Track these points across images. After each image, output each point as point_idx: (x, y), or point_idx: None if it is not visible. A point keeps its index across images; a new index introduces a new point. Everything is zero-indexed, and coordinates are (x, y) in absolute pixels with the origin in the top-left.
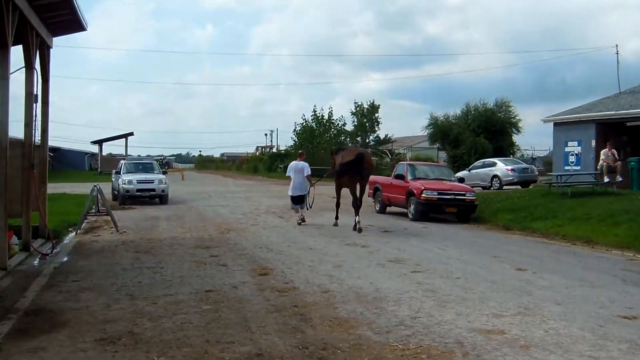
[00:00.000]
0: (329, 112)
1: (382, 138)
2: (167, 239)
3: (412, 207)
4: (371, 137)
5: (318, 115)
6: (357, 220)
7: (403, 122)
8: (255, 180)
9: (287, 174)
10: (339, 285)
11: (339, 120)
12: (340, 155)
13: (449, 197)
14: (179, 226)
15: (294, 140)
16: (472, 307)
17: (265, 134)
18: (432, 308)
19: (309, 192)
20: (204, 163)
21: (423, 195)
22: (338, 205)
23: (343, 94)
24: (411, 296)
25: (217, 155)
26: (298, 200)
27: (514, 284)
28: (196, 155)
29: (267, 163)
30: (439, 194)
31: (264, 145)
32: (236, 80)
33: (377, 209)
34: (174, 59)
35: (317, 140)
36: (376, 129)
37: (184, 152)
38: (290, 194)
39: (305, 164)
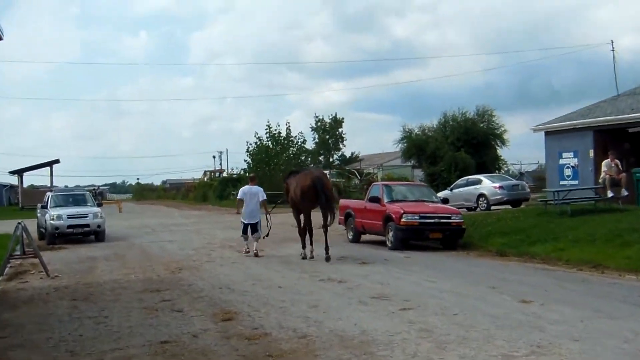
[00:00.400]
0: (287, 128)
1: (348, 156)
2: (108, 283)
3: (391, 233)
4: (335, 156)
5: (273, 132)
6: (312, 249)
7: (371, 138)
8: (205, 209)
9: (239, 197)
10: (317, 329)
11: (298, 138)
12: (294, 180)
13: (432, 220)
14: (121, 267)
15: (247, 162)
16: (476, 347)
17: (214, 157)
18: (431, 351)
19: (266, 220)
20: (143, 192)
21: (403, 219)
22: (303, 232)
23: (301, 107)
24: (404, 338)
25: (157, 182)
26: (250, 229)
27: (520, 319)
28: (133, 183)
29: (218, 190)
30: (421, 217)
31: (212, 169)
32: (177, 94)
33: (350, 237)
34: (104, 72)
35: (273, 161)
36: (341, 146)
37: (118, 181)
38: (244, 221)
39: (259, 188)
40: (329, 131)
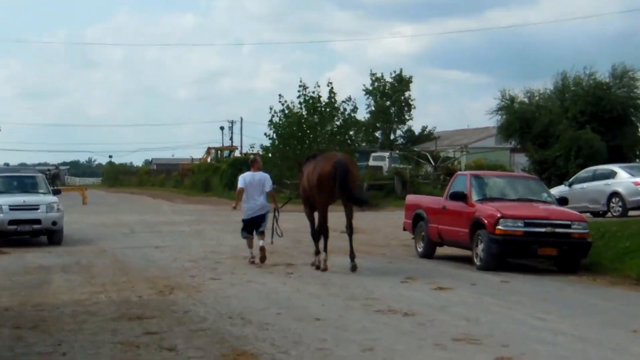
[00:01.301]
0: (329, 90)
1: (417, 133)
2: (68, 305)
3: (481, 246)
4: (399, 132)
5: (310, 95)
6: (325, 257)
7: (452, 106)
8: (209, 203)
9: (241, 185)
10: None
11: (346, 104)
12: (310, 165)
13: (543, 229)
14: (87, 282)
15: (270, 138)
16: None
17: (222, 128)
18: None
19: (275, 217)
20: (117, 176)
21: (500, 227)
22: (318, 234)
23: (350, 60)
24: None
25: (139, 162)
26: (254, 226)
27: None
28: (104, 163)
29: (227, 175)
30: (527, 224)
31: (220, 145)
32: (170, 38)
33: (421, 250)
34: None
35: (309, 137)
36: (407, 117)
37: (83, 159)
38: (245, 217)
39: (265, 175)
40: (391, 96)
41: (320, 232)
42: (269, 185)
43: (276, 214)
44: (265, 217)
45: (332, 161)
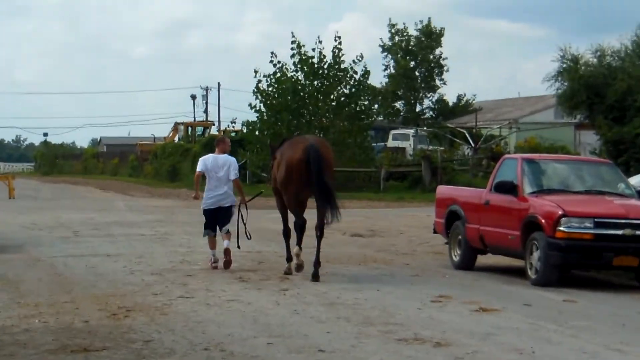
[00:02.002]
0: (334, 46)
1: (451, 103)
2: None
3: (537, 254)
4: (427, 102)
5: (307, 54)
6: (298, 252)
7: (497, 69)
8: (177, 197)
9: (199, 169)
10: None
11: (355, 64)
12: (279, 152)
13: (620, 232)
14: (13, 303)
15: (255, 109)
16: None
17: (193, 97)
18: None
19: (240, 213)
20: (54, 160)
21: (562, 228)
22: (289, 234)
23: (363, 6)
24: None
25: (84, 143)
26: (217, 221)
27: None
28: (37, 143)
29: (201, 156)
30: (598, 225)
31: (190, 121)
32: None
33: (457, 258)
34: None
35: (307, 109)
36: (437, 82)
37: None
38: (204, 207)
39: (231, 159)
40: (417, 54)
41: (293, 230)
42: (233, 171)
43: (242, 210)
44: (231, 211)
45: (301, 146)
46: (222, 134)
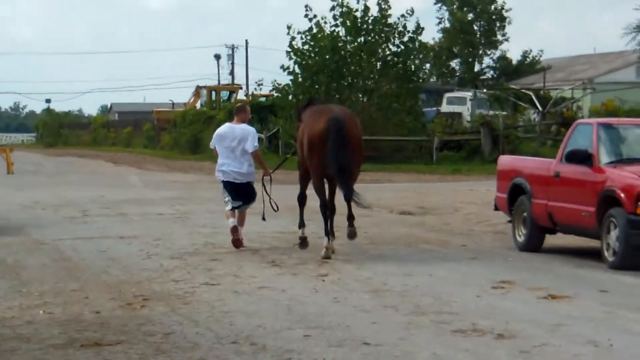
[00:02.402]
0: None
1: (515, 62)
2: None
3: (616, 234)
4: (488, 60)
5: (349, 7)
6: (327, 245)
7: (569, 22)
8: (199, 170)
9: (212, 146)
10: None
11: (405, 20)
12: (303, 124)
13: None
14: (14, 292)
15: (289, 72)
16: None
17: (218, 57)
18: None
19: (264, 185)
20: (59, 130)
21: None
22: (304, 200)
23: None
24: None
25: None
26: (239, 197)
27: None
28: (38, 111)
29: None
30: None
31: (214, 84)
32: None
33: (521, 239)
34: None
35: (349, 69)
36: (499, 37)
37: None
38: (222, 178)
39: (251, 129)
40: (475, 4)
41: (306, 199)
42: (252, 143)
43: (265, 182)
44: (250, 190)
45: (324, 116)
46: (250, 98)
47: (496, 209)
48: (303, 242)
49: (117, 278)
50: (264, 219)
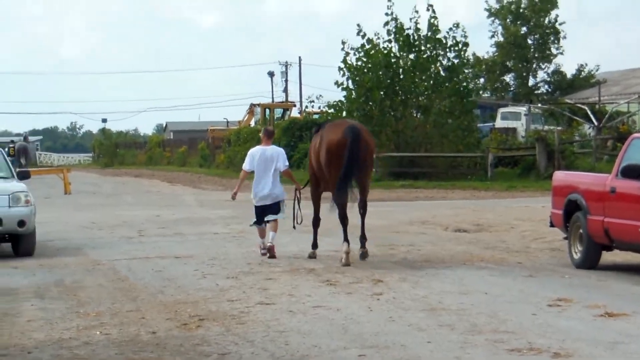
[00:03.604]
0: (430, 16)
1: (570, 76)
2: (44, 346)
3: None
4: (542, 74)
5: (402, 24)
6: (347, 249)
7: (627, 34)
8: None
9: (246, 168)
10: None
11: (453, 34)
12: (319, 136)
13: None
14: (72, 312)
15: (342, 88)
16: None
17: (271, 74)
18: None
19: (296, 197)
20: (116, 150)
21: None
22: (318, 221)
23: None
24: None
25: (148, 129)
26: (266, 212)
27: None
28: (95, 131)
29: (282, 145)
30: None
31: (267, 102)
32: None
33: (578, 256)
34: None
35: (402, 86)
36: (553, 51)
37: (62, 125)
38: (254, 203)
39: (280, 150)
40: (529, 18)
41: (320, 220)
42: (282, 162)
43: (297, 194)
44: (279, 206)
45: (340, 128)
46: (304, 115)
47: (552, 225)
48: (312, 257)
49: (173, 298)
50: (294, 227)
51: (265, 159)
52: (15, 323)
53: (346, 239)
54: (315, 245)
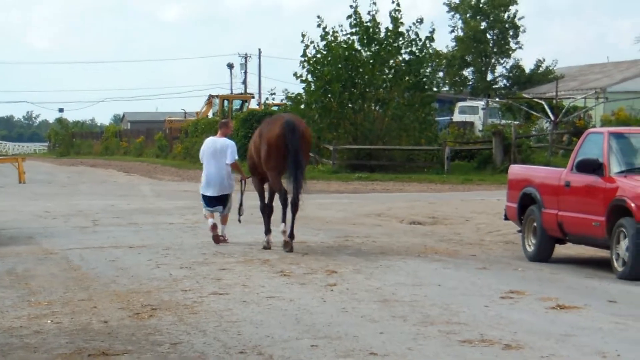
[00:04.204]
0: (394, 9)
1: (528, 71)
2: None
3: (627, 244)
4: (501, 69)
5: (364, 18)
6: (284, 229)
7: (583, 29)
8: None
9: (200, 159)
10: None
11: (416, 29)
12: (259, 131)
13: None
14: (23, 301)
15: (303, 80)
16: None
17: (230, 66)
18: None
19: (242, 191)
20: (71, 140)
21: None
22: (269, 209)
23: None
24: None
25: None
26: (216, 202)
27: None
28: (51, 120)
29: (239, 137)
30: None
31: (226, 93)
32: None
33: (531, 249)
34: None
35: (362, 79)
36: (512, 45)
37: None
38: (202, 192)
39: (230, 142)
40: (488, 13)
41: (271, 207)
42: (230, 155)
43: (242, 185)
44: (227, 197)
45: (278, 123)
46: (262, 107)
47: (506, 218)
48: (267, 246)
49: (126, 287)
50: (239, 221)
51: (215, 150)
52: None
53: (283, 220)
54: (268, 231)
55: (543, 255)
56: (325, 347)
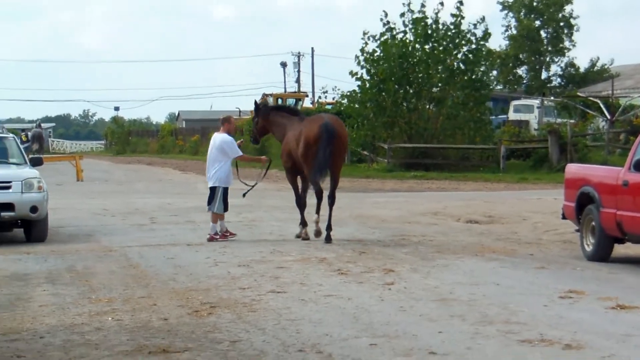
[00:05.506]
0: (456, 5)
1: (583, 69)
2: (56, 331)
3: None
4: (555, 68)
5: (420, 15)
6: (317, 219)
7: (637, 28)
8: (267, 178)
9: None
10: None
11: (474, 27)
12: (287, 125)
13: None
14: (84, 298)
15: (359, 78)
16: None
17: (284, 65)
18: None
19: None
20: (127, 138)
21: None
22: (304, 203)
23: None
24: None
25: (160, 117)
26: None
27: None
28: (107, 118)
29: None
30: None
31: (280, 92)
32: None
33: (589, 248)
34: None
35: (417, 78)
36: (567, 45)
37: (75, 112)
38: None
39: (228, 138)
40: (542, 11)
41: (306, 201)
42: (230, 152)
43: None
44: (213, 191)
45: (317, 123)
46: (316, 106)
47: (564, 217)
48: (305, 237)
49: (185, 285)
50: (244, 195)
51: (213, 146)
52: (28, 308)
53: (317, 212)
54: (304, 223)
55: (602, 254)
56: (384, 346)
